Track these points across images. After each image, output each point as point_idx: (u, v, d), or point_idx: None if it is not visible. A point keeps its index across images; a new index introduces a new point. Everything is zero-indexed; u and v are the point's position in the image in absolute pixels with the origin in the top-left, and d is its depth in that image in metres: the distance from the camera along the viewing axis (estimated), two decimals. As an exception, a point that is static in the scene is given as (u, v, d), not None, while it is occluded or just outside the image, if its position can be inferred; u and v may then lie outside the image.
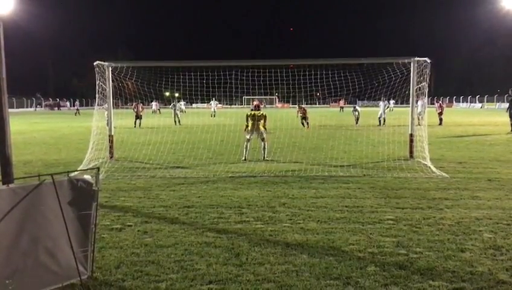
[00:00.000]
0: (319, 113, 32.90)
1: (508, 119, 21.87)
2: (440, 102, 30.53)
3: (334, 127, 25.02)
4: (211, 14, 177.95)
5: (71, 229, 3.93)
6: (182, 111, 29.81)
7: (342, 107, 51.43)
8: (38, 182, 3.73)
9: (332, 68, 15.00)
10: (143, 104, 29.47)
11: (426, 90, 12.39)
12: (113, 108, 13.43)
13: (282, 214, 6.65)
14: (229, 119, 27.52)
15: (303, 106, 27.35)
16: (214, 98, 40.56)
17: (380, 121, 27.32)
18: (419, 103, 23.42)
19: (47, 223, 3.85)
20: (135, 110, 27.89)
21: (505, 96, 68.49)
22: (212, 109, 40.83)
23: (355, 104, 35.95)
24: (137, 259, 4.84)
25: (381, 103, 27.87)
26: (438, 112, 28.47)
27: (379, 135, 18.86)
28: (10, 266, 3.64)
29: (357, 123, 27.44)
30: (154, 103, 45.88)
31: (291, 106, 65.93)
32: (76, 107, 56.41)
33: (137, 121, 27.37)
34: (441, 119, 27.94)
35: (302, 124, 26.02)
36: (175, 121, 29.75)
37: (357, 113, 28.12)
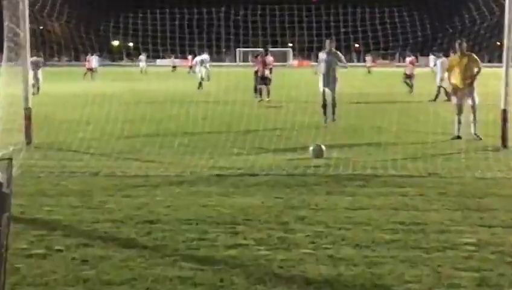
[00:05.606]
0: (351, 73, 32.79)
1: None
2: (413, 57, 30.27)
3: (382, 96, 24.91)
4: None
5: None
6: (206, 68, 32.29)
7: (369, 68, 51.90)
8: None
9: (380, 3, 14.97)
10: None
11: None
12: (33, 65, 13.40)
13: (300, 234, 6.66)
14: (217, 83, 27.34)
15: (265, 56, 23.84)
16: (204, 52, 38.21)
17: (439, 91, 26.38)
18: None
19: None
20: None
21: None
22: (198, 69, 38.12)
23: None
24: (71, 303, 4.86)
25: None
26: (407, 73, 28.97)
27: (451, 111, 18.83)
28: None
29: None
30: (93, 57, 46.17)
31: (310, 63, 65.78)
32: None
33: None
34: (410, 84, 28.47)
35: (261, 89, 23.41)
36: (200, 83, 31.96)
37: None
